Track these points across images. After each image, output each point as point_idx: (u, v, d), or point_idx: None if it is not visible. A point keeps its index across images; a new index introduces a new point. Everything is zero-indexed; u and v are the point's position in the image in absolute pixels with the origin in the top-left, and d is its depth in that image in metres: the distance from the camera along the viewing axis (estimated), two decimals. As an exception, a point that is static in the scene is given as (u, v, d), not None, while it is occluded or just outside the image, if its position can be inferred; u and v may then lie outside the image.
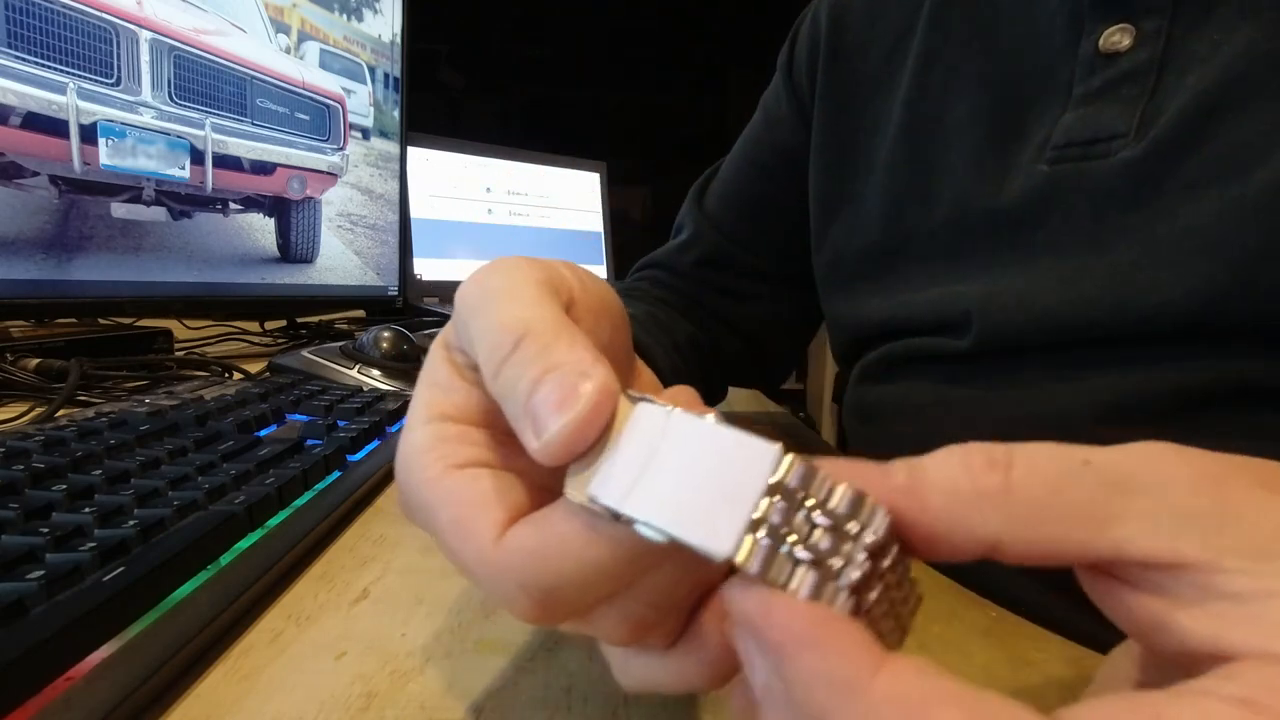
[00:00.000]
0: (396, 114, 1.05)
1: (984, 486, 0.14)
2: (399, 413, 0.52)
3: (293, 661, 0.24)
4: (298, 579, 0.30)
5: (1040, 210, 0.35)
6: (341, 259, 0.98)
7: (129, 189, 0.71)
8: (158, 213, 0.74)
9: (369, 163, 1.01)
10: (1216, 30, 0.31)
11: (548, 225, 1.47)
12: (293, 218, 0.90)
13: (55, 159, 0.64)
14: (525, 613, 0.16)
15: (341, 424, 0.46)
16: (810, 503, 0.13)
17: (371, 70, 1.00)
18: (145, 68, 0.71)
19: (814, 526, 0.13)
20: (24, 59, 0.61)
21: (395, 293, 1.06)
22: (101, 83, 0.67)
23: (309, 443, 0.42)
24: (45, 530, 0.26)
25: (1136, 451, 0.14)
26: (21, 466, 0.31)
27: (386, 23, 1.02)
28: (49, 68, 0.63)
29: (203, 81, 0.77)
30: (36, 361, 0.60)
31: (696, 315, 0.55)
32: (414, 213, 1.21)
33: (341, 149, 0.95)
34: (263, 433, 0.44)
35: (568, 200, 1.50)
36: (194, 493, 0.31)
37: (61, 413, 0.50)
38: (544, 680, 0.24)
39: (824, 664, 0.12)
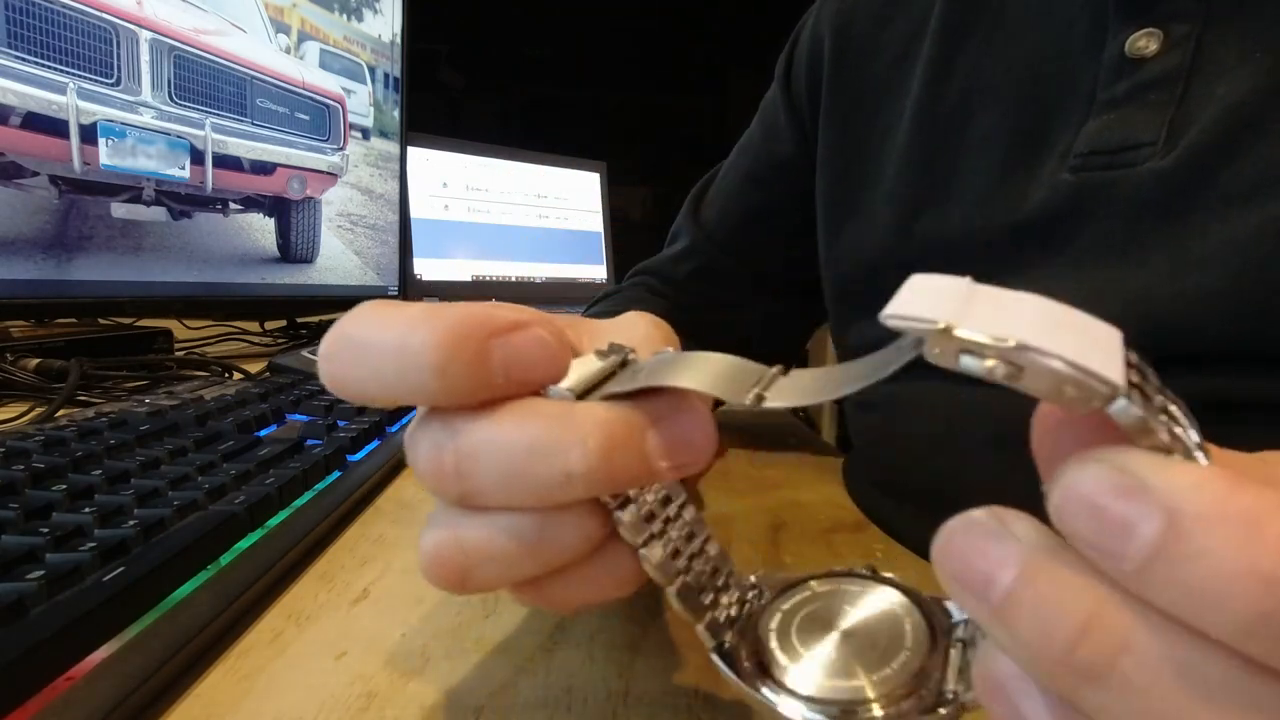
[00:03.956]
0: (396, 114, 1.05)
1: None
2: (399, 412, 0.52)
3: (293, 661, 0.24)
4: (298, 579, 0.30)
5: (1065, 222, 0.34)
6: (341, 259, 0.98)
7: (129, 189, 0.71)
8: (158, 213, 0.74)
9: (369, 163, 1.01)
10: (1248, 38, 0.30)
11: (548, 225, 1.47)
12: (293, 218, 0.90)
13: (55, 159, 0.64)
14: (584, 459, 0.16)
15: (341, 424, 0.46)
16: (1151, 378, 0.12)
17: (371, 70, 1.00)
18: (145, 68, 0.71)
19: (1162, 393, 0.12)
20: (24, 59, 0.61)
21: (395, 293, 1.06)
22: (101, 83, 0.67)
23: (309, 443, 0.42)
24: (45, 530, 0.26)
25: None
26: (21, 466, 0.31)
27: (386, 23, 1.02)
28: (49, 68, 0.63)
29: (203, 81, 0.77)
30: (36, 361, 0.60)
31: (692, 324, 0.54)
32: (414, 213, 1.21)
33: (341, 149, 0.95)
34: (263, 433, 0.44)
35: (568, 200, 1.50)
36: (194, 493, 0.31)
37: (61, 413, 0.50)
38: (544, 680, 0.24)
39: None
